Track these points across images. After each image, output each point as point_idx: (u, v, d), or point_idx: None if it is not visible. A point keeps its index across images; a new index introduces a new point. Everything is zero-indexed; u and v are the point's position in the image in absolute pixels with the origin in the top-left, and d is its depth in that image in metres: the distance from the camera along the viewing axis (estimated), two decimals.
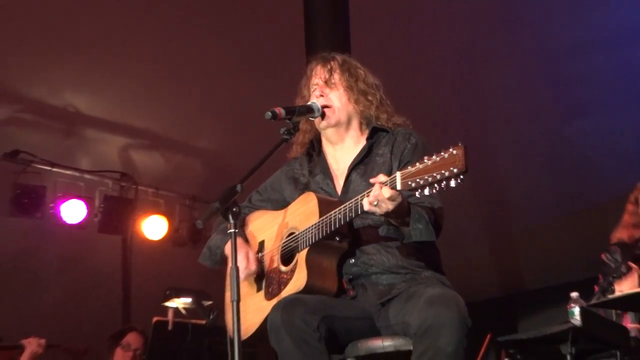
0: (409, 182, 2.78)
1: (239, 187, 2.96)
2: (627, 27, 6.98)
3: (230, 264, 2.96)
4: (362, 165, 3.30)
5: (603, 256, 5.01)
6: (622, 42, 7.10)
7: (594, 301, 4.44)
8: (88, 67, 7.05)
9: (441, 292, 3.00)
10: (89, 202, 7.85)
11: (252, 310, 3.32)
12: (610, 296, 4.38)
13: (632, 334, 4.59)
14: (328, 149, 3.44)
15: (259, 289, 3.38)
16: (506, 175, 8.80)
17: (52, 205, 7.67)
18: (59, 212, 7.71)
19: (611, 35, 7.04)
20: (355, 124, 3.39)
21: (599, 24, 6.99)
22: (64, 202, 7.73)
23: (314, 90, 3.38)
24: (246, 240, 3.44)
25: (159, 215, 8.31)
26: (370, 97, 3.36)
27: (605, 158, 8.16)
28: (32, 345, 5.41)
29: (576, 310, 3.96)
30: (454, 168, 2.67)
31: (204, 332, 5.11)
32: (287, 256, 3.28)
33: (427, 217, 3.03)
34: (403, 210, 2.95)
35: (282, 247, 3.31)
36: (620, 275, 4.79)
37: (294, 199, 3.37)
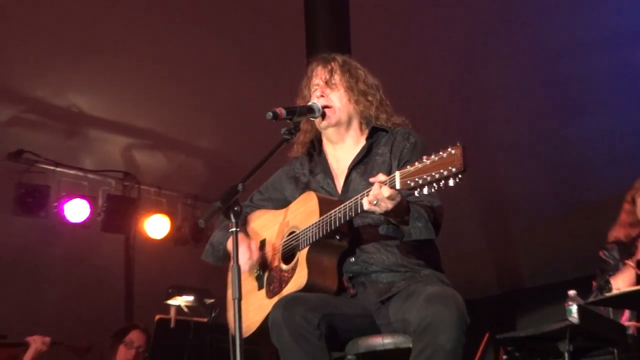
0: (408, 182, 2.78)
1: (240, 187, 2.96)
2: (624, 28, 6.97)
3: (232, 262, 2.96)
4: (362, 165, 3.31)
5: (601, 253, 5.02)
6: (620, 43, 7.09)
7: (591, 299, 4.44)
8: (91, 68, 7.05)
9: (440, 290, 3.01)
10: (92, 201, 7.85)
11: (253, 308, 3.32)
12: (608, 294, 4.39)
13: (630, 331, 4.60)
14: (328, 148, 3.45)
15: (260, 287, 3.38)
16: (504, 175, 8.80)
17: (55, 204, 7.68)
18: (63, 211, 7.71)
19: (608, 36, 7.03)
20: (355, 124, 3.39)
21: (596, 25, 6.98)
22: (67, 201, 7.73)
23: (314, 91, 3.38)
24: (247, 236, 3.44)
25: (161, 215, 8.31)
26: (370, 98, 3.37)
27: (602, 157, 8.16)
28: (36, 342, 5.41)
29: (574, 308, 3.96)
30: (452, 167, 2.67)
31: (206, 329, 5.10)
32: (288, 255, 3.29)
33: (426, 215, 3.04)
34: (402, 209, 2.96)
35: (283, 246, 3.32)
36: (617, 272, 4.81)
37: (294, 198, 3.38)
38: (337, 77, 3.37)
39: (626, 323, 4.66)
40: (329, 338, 3.01)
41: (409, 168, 2.80)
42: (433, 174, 2.71)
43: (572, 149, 8.28)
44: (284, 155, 3.46)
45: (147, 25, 6.77)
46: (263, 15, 6.73)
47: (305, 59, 5.36)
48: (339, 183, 3.34)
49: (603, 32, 7.01)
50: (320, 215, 3.13)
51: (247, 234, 3.45)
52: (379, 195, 2.86)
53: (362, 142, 3.37)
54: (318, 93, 3.36)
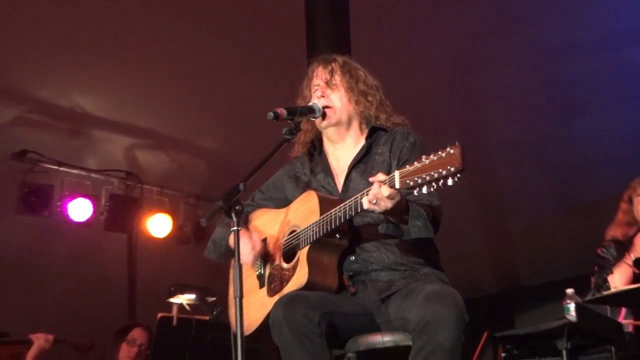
0: (407, 181, 2.78)
1: (241, 186, 2.96)
2: (624, 29, 6.96)
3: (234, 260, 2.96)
4: (362, 164, 3.31)
5: (599, 251, 5.02)
6: (619, 44, 7.09)
7: (589, 297, 4.44)
8: (94, 69, 7.05)
9: (439, 288, 3.01)
10: (95, 200, 7.85)
11: (255, 306, 3.32)
12: (605, 292, 4.39)
13: (627, 329, 4.60)
14: (329, 148, 3.45)
15: (261, 286, 3.38)
16: (503, 175, 8.79)
17: (59, 203, 7.68)
18: (66, 210, 7.71)
19: (608, 36, 7.02)
20: (355, 124, 3.39)
21: (596, 25, 6.97)
22: (71, 200, 7.74)
23: (315, 91, 3.38)
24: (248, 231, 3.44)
25: (163, 214, 8.32)
26: (370, 98, 3.37)
27: (600, 157, 8.16)
28: (39, 340, 5.40)
29: (572, 306, 3.96)
30: (451, 167, 2.67)
31: (207, 327, 5.10)
32: (289, 253, 3.29)
33: (425, 214, 3.03)
34: (402, 208, 2.96)
35: (284, 245, 3.32)
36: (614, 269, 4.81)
37: (295, 197, 3.38)
38: (337, 78, 3.37)
39: (623, 321, 4.66)
40: (329, 336, 3.01)
41: (408, 167, 2.80)
42: (432, 173, 2.71)
43: (571, 149, 8.28)
44: (284, 155, 3.46)
45: (149, 27, 6.77)
46: (265, 16, 6.73)
47: (305, 59, 5.36)
48: (339, 182, 3.34)
49: (603, 32, 7.00)
50: (321, 214, 3.13)
51: (248, 230, 3.45)
52: (378, 194, 2.86)
53: (362, 141, 3.37)
54: (319, 93, 3.36)
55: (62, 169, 7.75)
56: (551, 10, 6.88)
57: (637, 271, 4.58)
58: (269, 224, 3.45)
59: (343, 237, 3.16)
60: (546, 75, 7.54)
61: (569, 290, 4.05)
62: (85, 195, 7.80)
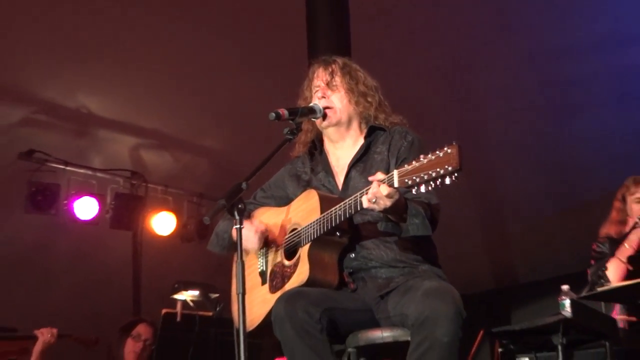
0: (406, 180, 2.78)
1: (244, 185, 2.96)
2: (621, 30, 6.95)
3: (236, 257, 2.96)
4: (361, 163, 3.32)
5: (594, 246, 5.03)
6: (616, 45, 7.08)
7: (583, 294, 4.45)
8: (100, 70, 7.05)
9: (437, 285, 3.01)
10: (101, 199, 7.86)
11: (257, 302, 3.33)
12: (600, 289, 4.39)
13: (620, 325, 4.60)
14: (329, 147, 3.45)
15: (263, 282, 3.39)
16: (500, 174, 8.79)
17: (65, 202, 7.69)
18: (72, 208, 7.72)
19: (606, 37, 7.01)
20: (355, 124, 3.40)
21: (594, 26, 6.96)
22: (77, 199, 7.74)
23: (315, 92, 3.39)
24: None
25: (167, 212, 8.32)
26: (369, 99, 3.38)
27: (595, 157, 8.15)
28: (44, 335, 5.40)
29: (567, 302, 3.96)
30: (448, 166, 2.67)
31: (211, 323, 5.10)
32: (291, 251, 3.29)
33: (423, 212, 3.04)
34: (400, 206, 2.96)
35: (286, 242, 3.32)
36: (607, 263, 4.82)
37: (296, 196, 3.38)
38: (337, 79, 3.37)
39: (617, 317, 4.66)
40: (330, 331, 3.02)
41: (406, 167, 2.80)
42: (430, 172, 2.71)
43: (568, 149, 8.27)
44: (286, 154, 3.47)
45: (154, 28, 6.77)
46: (266, 17, 6.73)
47: (306, 59, 5.36)
48: (340, 181, 3.35)
49: (602, 32, 6.98)
50: (321, 212, 3.13)
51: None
52: (377, 193, 2.86)
53: (361, 141, 3.37)
54: (319, 94, 3.36)
55: (68, 168, 7.75)
56: (550, 10, 6.87)
57: (630, 268, 4.59)
58: (270, 221, 3.45)
59: (343, 235, 3.17)
60: (545, 76, 7.53)
61: (564, 287, 4.06)
62: (91, 194, 7.81)
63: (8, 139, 7.47)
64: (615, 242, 4.93)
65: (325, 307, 3.01)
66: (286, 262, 3.28)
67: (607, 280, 4.66)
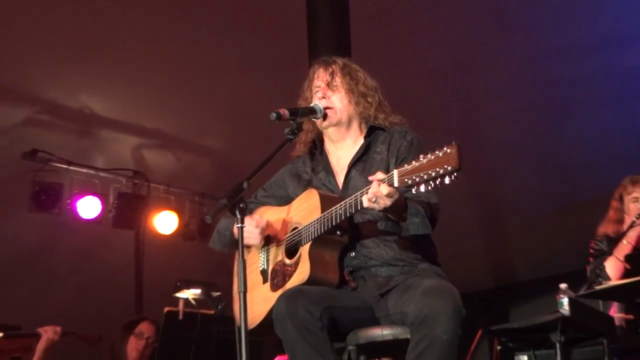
0: (406, 180, 2.79)
1: (245, 184, 2.97)
2: (620, 31, 6.95)
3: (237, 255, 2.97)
4: (361, 163, 3.32)
5: (592, 244, 5.03)
6: (615, 45, 7.07)
7: (581, 292, 4.45)
8: (103, 70, 7.06)
9: (437, 283, 3.01)
10: (103, 198, 7.86)
11: (258, 301, 3.33)
12: (597, 287, 4.39)
13: (618, 323, 4.60)
14: (330, 147, 3.46)
15: (265, 281, 3.39)
16: (500, 174, 8.79)
17: (68, 201, 7.69)
18: (75, 208, 7.72)
19: (604, 38, 7.00)
20: (355, 124, 3.41)
21: (593, 26, 6.96)
22: (80, 198, 7.74)
23: (316, 92, 3.39)
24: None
25: (169, 211, 8.33)
26: (369, 99, 3.38)
27: (593, 157, 8.15)
28: (48, 332, 5.40)
29: (565, 300, 3.96)
30: (447, 166, 2.68)
31: (212, 321, 5.10)
32: (292, 250, 3.30)
33: (423, 211, 3.04)
34: (400, 205, 2.96)
35: (287, 241, 3.33)
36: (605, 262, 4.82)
37: (297, 195, 3.38)
38: (338, 80, 3.38)
39: (615, 315, 4.67)
40: (330, 329, 3.02)
41: (406, 166, 2.81)
42: (429, 172, 2.71)
43: (568, 149, 8.27)
44: (286, 154, 3.47)
45: (154, 28, 6.76)
46: (266, 17, 6.73)
47: (307, 59, 5.36)
48: (340, 180, 3.35)
49: (601, 33, 6.98)
50: (322, 211, 3.14)
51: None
52: (377, 193, 2.86)
53: (361, 141, 3.38)
54: (320, 95, 3.37)
55: (71, 168, 7.76)
56: (550, 11, 6.86)
57: (628, 266, 4.59)
58: (271, 220, 3.46)
59: (343, 234, 3.17)
60: (545, 76, 7.52)
61: (563, 285, 4.06)
62: (94, 194, 7.81)
63: (12, 139, 7.47)
64: (613, 241, 4.93)
65: (325, 306, 3.02)
66: (287, 261, 3.29)
67: (605, 279, 4.66)
